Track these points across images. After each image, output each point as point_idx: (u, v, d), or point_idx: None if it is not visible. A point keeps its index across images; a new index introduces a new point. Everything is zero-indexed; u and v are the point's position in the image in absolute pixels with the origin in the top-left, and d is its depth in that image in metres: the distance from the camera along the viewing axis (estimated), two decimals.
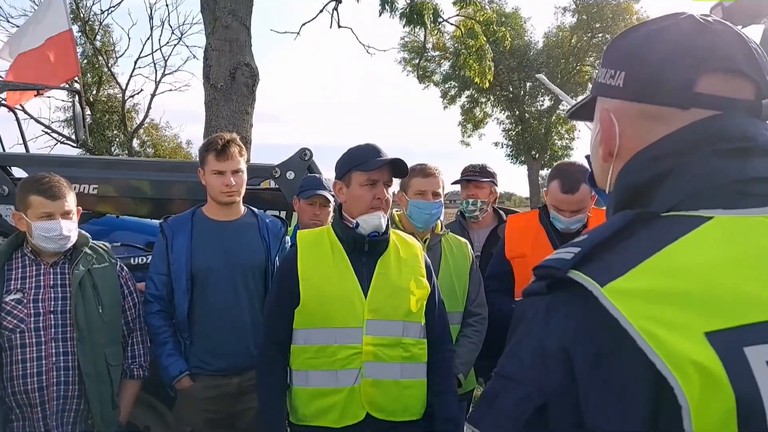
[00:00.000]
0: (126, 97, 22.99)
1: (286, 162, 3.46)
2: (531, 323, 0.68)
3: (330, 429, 2.05)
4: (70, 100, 6.34)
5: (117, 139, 23.96)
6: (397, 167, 2.12)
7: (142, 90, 24.20)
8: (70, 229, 2.33)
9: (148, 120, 24.22)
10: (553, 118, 29.52)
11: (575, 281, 0.65)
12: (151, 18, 25.01)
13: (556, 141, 30.28)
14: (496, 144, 31.23)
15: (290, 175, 3.40)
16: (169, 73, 24.92)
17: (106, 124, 23.20)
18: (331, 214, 2.99)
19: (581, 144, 29.92)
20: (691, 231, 0.66)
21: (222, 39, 6.38)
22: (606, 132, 0.84)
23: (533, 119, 30.30)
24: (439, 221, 2.81)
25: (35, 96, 5.31)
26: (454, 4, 8.85)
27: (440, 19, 9.19)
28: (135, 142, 23.82)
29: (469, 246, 2.87)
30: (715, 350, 0.58)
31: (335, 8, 9.04)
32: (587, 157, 0.96)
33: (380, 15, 9.14)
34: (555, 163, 2.97)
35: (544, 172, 31.26)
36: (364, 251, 2.11)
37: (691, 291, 0.61)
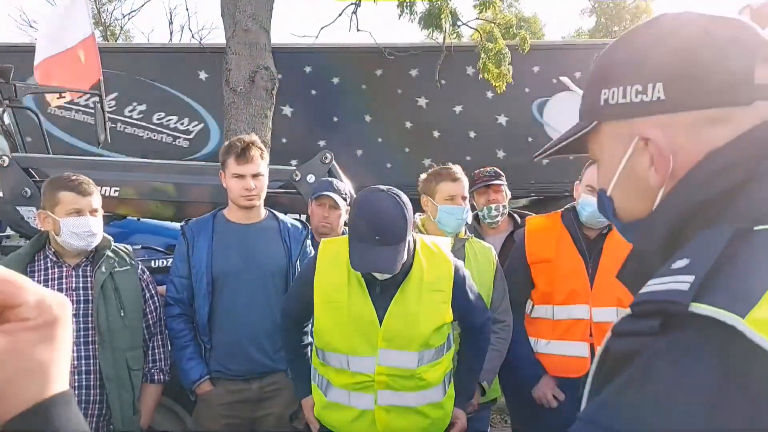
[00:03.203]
0: None
1: (306, 165, 3.44)
2: (651, 376, 0.55)
3: None
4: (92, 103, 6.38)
5: None
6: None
7: None
8: (98, 226, 2.34)
9: None
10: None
11: (704, 316, 0.53)
12: (171, 23, 25.32)
13: None
14: None
15: (310, 178, 3.37)
16: None
17: None
18: (343, 217, 2.95)
19: None
20: None
21: (242, 43, 6.39)
22: (659, 153, 0.73)
23: None
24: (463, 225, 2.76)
25: (58, 99, 5.35)
26: (474, 7, 8.81)
27: (459, 23, 9.15)
28: None
29: (494, 251, 2.81)
30: None
31: (354, 12, 9.04)
32: (601, 193, 0.83)
33: (399, 18, 9.13)
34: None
35: None
36: (378, 290, 2.04)
37: None
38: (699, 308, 0.54)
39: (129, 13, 24.15)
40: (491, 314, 2.69)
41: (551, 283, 2.63)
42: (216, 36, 21.66)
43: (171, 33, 28.88)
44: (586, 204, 2.56)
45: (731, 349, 0.51)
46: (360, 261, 1.92)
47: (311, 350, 2.27)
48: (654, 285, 0.60)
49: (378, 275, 1.98)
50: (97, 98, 4.93)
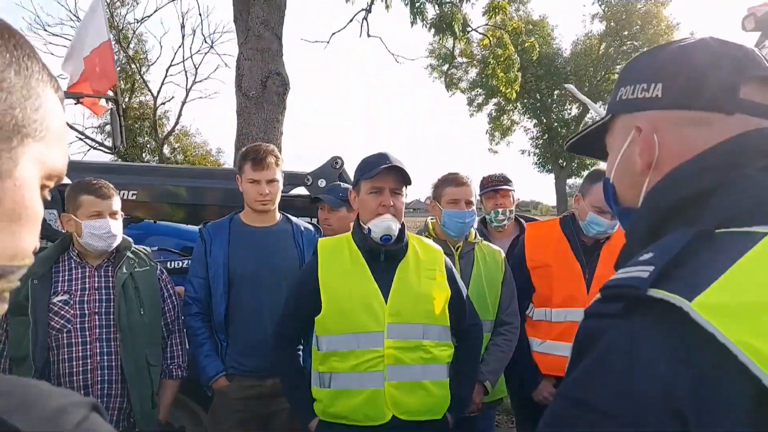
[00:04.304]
0: (157, 105, 23.43)
1: (318, 170, 3.54)
2: (613, 351, 0.64)
3: (356, 427, 2.10)
4: (107, 108, 6.52)
5: (148, 146, 24.39)
6: (404, 175, 2.18)
7: (173, 97, 24.63)
8: (118, 228, 2.44)
9: (178, 127, 24.64)
10: (581, 126, 29.27)
11: (659, 300, 0.62)
12: (182, 27, 25.52)
13: None
14: (522, 152, 31.13)
15: (322, 182, 3.47)
16: (199, 81, 25.31)
17: (137, 131, 23.67)
18: (347, 219, 3.06)
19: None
20: (754, 246, 0.65)
21: (254, 48, 6.50)
22: (645, 142, 0.83)
23: (561, 127, 30.08)
24: (472, 229, 2.84)
25: (75, 105, 5.47)
26: (484, 14, 8.88)
27: (469, 28, 9.23)
28: (165, 149, 24.22)
29: (503, 254, 2.88)
30: None
31: (365, 18, 9.14)
32: (606, 180, 0.94)
33: (412, 26, 9.20)
34: (593, 169, 2.93)
35: (572, 181, 30.96)
36: (383, 257, 2.18)
37: None
38: (655, 293, 0.63)
39: (141, 18, 24.35)
40: (499, 315, 2.78)
41: (549, 287, 2.73)
42: (228, 39, 21.82)
43: (183, 36, 29.17)
44: (595, 223, 2.62)
45: (678, 328, 0.61)
46: (379, 165, 2.12)
47: (309, 363, 2.33)
48: (622, 273, 0.70)
49: (385, 228, 2.12)
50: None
